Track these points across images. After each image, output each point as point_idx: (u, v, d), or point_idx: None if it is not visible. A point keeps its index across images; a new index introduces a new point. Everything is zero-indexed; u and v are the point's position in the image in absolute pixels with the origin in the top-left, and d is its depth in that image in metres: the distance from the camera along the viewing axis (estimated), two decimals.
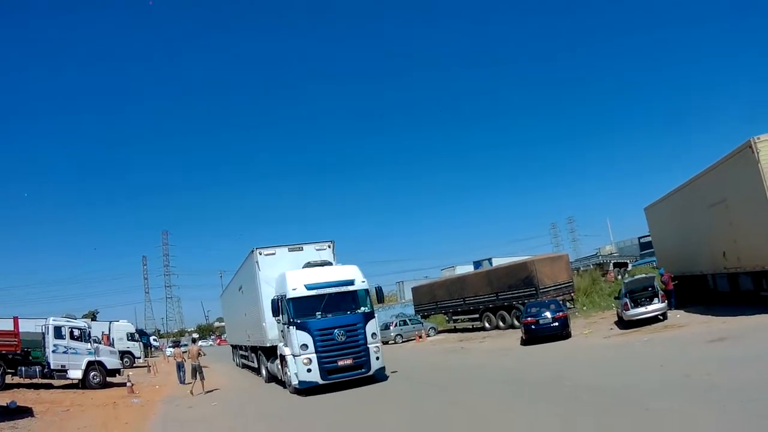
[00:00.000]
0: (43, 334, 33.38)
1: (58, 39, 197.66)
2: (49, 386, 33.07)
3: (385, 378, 24.26)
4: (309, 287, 22.53)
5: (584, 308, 42.09)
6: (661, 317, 29.42)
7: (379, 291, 25.79)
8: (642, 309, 29.22)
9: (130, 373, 35.94)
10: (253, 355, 33.57)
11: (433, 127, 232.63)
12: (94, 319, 74.64)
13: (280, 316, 22.94)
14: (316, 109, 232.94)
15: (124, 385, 31.84)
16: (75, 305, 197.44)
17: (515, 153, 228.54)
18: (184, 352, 37.74)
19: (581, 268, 63.55)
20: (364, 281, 23.70)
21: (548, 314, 31.01)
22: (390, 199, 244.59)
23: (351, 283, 23.41)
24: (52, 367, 32.41)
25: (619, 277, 54.17)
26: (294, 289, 22.48)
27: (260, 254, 25.96)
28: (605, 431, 11.51)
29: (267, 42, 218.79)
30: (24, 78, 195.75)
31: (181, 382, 34.03)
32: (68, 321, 35.60)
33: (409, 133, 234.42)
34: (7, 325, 33.43)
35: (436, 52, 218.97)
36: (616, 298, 33.98)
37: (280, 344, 24.01)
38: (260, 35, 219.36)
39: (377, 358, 23.24)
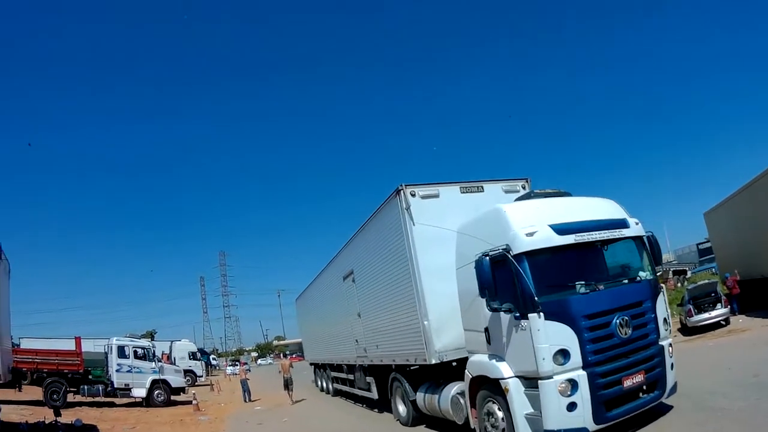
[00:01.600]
0: (106, 353, 33.72)
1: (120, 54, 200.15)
2: (111, 404, 33.19)
3: (668, 405, 12.99)
4: (559, 229, 11.33)
5: None
6: (723, 322, 29.02)
7: (653, 243, 12.77)
8: (706, 315, 28.99)
9: (194, 391, 35.85)
10: (369, 379, 21.06)
11: (482, 136, 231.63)
12: (152, 338, 75.20)
13: (490, 297, 11.56)
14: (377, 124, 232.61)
15: (188, 403, 31.95)
16: (133, 326, 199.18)
17: (569, 159, 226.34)
18: (247, 370, 37.77)
19: None
20: (638, 223, 12.48)
21: None
22: None
23: (623, 224, 12.33)
24: (115, 386, 32.75)
25: (679, 284, 53.04)
26: (531, 234, 11.15)
27: (413, 196, 14.82)
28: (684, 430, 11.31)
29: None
30: (88, 105, 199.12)
31: (245, 401, 33.81)
32: (131, 341, 35.94)
33: (458, 143, 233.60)
34: (69, 345, 33.65)
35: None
36: (679, 305, 33.85)
37: (480, 357, 12.51)
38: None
39: (672, 366, 12.27)
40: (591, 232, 11.53)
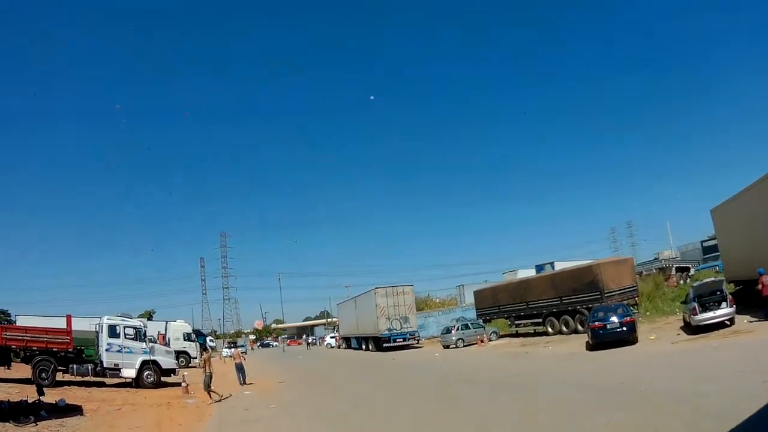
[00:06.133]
0: (97, 332, 33.26)
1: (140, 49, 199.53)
2: (101, 384, 32.84)
3: None
4: None
5: (648, 313, 40.79)
6: (728, 323, 28.09)
7: None
8: (710, 314, 27.93)
9: (186, 373, 35.54)
10: None
11: (492, 134, 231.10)
12: (150, 318, 75.22)
13: None
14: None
15: (179, 385, 31.46)
16: (132, 305, 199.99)
17: (571, 157, 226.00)
18: (243, 353, 37.37)
19: (643, 273, 61.99)
20: None
21: (615, 319, 29.93)
22: (446, 203, 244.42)
23: None
24: (105, 366, 32.27)
25: (682, 281, 52.75)
26: None
27: None
28: None
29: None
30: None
31: (241, 383, 33.35)
32: (123, 320, 35.26)
33: (467, 141, 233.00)
34: (61, 324, 33.35)
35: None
36: (683, 302, 32.91)
37: None
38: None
39: None
40: None
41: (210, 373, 27.20)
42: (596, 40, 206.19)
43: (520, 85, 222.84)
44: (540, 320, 44.62)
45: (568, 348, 33.82)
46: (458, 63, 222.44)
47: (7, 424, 18.72)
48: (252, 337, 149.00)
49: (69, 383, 31.46)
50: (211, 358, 29.68)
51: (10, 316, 60.72)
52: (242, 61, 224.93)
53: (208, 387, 26.88)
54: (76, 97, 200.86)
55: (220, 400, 26.79)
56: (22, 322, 43.34)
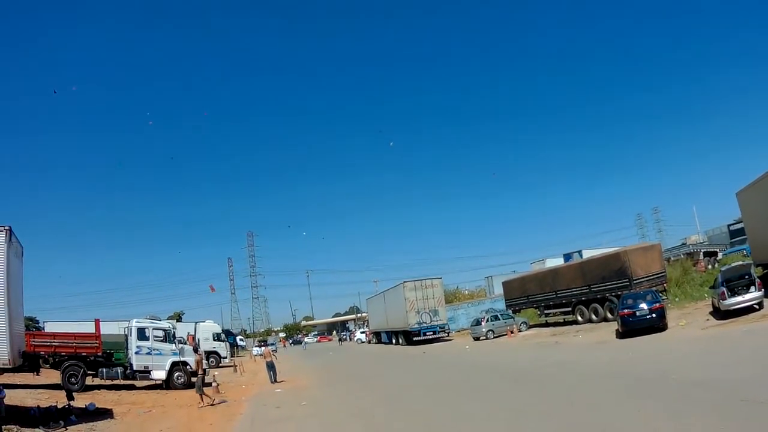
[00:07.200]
0: (126, 336, 33.30)
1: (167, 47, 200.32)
2: (131, 387, 33.04)
3: None
4: None
5: (676, 299, 40.36)
6: (757, 306, 27.70)
7: None
8: (739, 298, 27.58)
9: (216, 373, 35.52)
10: None
11: (515, 123, 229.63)
12: (179, 320, 75.36)
13: None
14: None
15: (209, 385, 31.24)
16: (162, 307, 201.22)
17: (595, 144, 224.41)
18: (274, 351, 37.30)
19: (671, 258, 61.54)
20: None
21: (645, 305, 29.78)
22: (472, 195, 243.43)
23: None
24: (134, 369, 32.28)
25: (710, 266, 52.16)
26: None
27: None
28: (722, 429, 10.42)
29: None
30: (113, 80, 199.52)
31: (272, 381, 33.37)
32: (152, 322, 35.26)
33: (493, 131, 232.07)
34: (89, 328, 33.37)
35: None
36: (711, 287, 32.49)
37: None
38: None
39: None
40: None
41: (203, 374, 26.81)
42: (603, 26, 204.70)
43: (538, 74, 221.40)
44: (569, 309, 44.41)
45: (598, 336, 33.68)
46: (471, 55, 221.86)
47: (37, 429, 18.71)
48: (282, 334, 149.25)
49: (99, 387, 31.58)
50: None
51: (38, 323, 61.10)
52: (266, 56, 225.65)
53: (200, 389, 25.97)
54: (102, 99, 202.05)
55: (213, 404, 25.84)
56: (50, 328, 43.46)
